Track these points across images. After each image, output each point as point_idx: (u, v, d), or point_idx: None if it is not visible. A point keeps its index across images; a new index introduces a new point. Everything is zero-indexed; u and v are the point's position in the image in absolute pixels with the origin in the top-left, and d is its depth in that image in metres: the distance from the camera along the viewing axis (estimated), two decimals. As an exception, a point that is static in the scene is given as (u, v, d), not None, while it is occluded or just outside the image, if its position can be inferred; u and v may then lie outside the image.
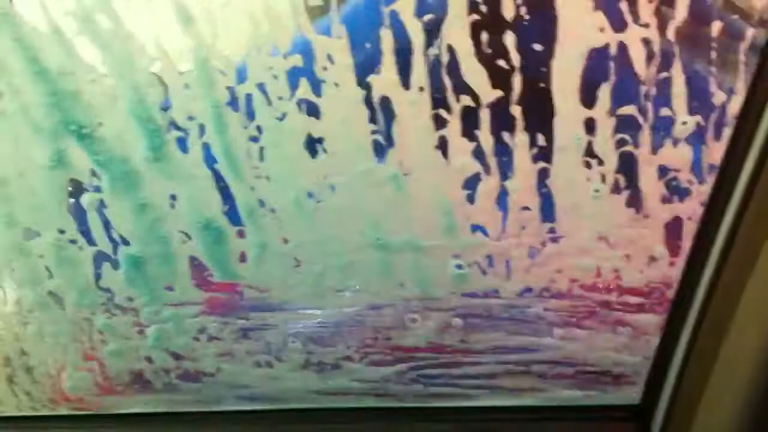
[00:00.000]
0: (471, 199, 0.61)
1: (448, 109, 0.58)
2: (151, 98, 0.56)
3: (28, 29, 0.53)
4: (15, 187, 0.60)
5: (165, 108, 0.57)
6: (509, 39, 0.55)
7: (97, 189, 0.60)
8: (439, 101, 0.58)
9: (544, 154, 0.59)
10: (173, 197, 0.61)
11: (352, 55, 0.56)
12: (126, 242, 0.62)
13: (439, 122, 0.58)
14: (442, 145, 0.59)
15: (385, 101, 0.58)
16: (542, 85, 0.57)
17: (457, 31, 0.55)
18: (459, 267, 0.63)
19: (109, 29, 0.54)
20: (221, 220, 0.61)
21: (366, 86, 0.57)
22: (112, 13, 0.53)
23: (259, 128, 0.58)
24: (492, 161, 0.59)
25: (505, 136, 0.58)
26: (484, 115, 0.58)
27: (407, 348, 0.67)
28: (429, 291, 0.64)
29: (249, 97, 0.57)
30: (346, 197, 0.61)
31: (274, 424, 0.72)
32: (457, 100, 0.57)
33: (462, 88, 0.57)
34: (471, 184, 0.60)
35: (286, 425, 0.72)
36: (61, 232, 0.62)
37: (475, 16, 0.55)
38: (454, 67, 0.57)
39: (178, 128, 0.58)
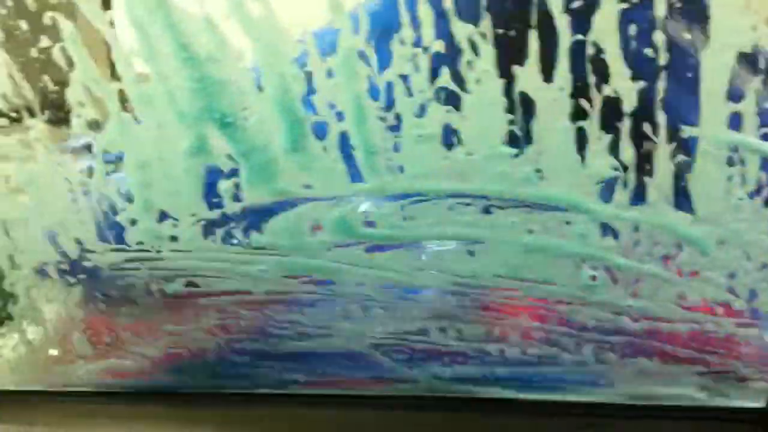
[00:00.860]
0: (606, 200, 0.59)
1: (589, 103, 0.56)
2: (294, 87, 0.56)
3: (181, 15, 0.53)
4: (154, 172, 0.60)
5: (308, 96, 0.56)
6: (658, 35, 0.54)
7: (234, 175, 0.60)
8: (580, 95, 0.57)
9: (685, 153, 0.58)
10: (307, 187, 0.60)
11: (495, 46, 0.55)
12: (259, 231, 0.62)
13: (579, 118, 0.57)
14: (580, 143, 0.58)
15: (525, 95, 0.57)
16: (688, 78, 0.56)
17: (605, 24, 0.54)
18: (592, 277, 0.61)
19: (258, 15, 0.54)
20: (353, 214, 0.61)
21: (509, 77, 0.56)
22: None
23: (397, 118, 0.58)
24: (630, 161, 0.58)
25: (647, 133, 0.57)
26: (627, 110, 0.56)
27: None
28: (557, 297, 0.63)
29: (389, 86, 0.57)
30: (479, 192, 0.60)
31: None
32: (599, 92, 0.56)
33: (605, 82, 0.56)
34: (607, 185, 0.59)
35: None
36: (193, 215, 0.62)
37: (625, 6, 0.54)
38: (598, 61, 0.56)
39: (318, 116, 0.57)
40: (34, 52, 0.58)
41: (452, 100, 0.57)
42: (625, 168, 0.58)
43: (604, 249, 0.61)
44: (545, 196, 0.60)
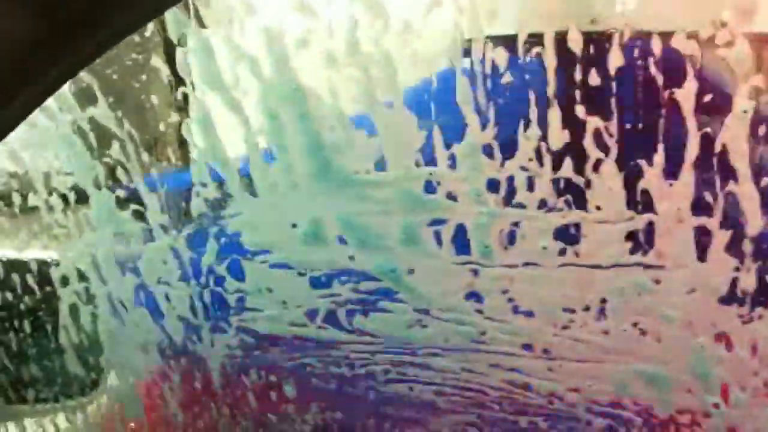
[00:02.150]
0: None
1: (714, 202, 0.55)
2: (417, 179, 0.56)
3: (313, 104, 0.54)
4: (274, 259, 0.59)
5: (430, 187, 0.56)
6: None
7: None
8: (703, 193, 0.55)
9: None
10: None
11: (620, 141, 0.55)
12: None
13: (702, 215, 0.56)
14: (701, 245, 0.56)
15: (647, 194, 0.56)
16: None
17: (735, 128, 0.53)
18: (716, 406, 0.57)
19: (388, 113, 0.54)
20: (462, 304, 0.60)
21: (633, 174, 0.55)
22: (395, 90, 0.53)
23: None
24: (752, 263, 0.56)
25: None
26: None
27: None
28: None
29: (510, 179, 0.56)
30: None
31: None
32: (722, 191, 0.55)
33: (728, 179, 0.55)
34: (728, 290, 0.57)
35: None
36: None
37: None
38: (723, 159, 0.54)
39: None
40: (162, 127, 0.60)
41: (575, 195, 0.56)
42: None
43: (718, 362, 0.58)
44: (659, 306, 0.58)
